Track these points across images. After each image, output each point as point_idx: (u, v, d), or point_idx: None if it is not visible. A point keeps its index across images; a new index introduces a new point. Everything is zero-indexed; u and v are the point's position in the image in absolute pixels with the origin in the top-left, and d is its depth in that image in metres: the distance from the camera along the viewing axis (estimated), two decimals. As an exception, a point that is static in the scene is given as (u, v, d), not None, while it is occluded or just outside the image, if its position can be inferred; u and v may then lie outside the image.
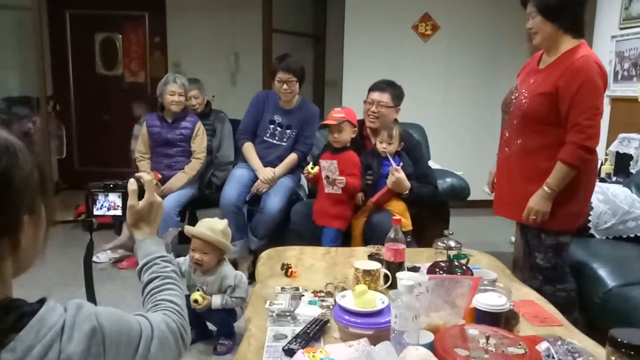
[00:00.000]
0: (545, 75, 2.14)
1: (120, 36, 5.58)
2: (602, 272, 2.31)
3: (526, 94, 2.16)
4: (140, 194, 1.12)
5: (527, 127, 2.17)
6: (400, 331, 1.25)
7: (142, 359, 0.82)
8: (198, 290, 2.32)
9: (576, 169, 2.06)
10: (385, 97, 2.94)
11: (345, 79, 5.12)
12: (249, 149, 3.29)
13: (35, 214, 0.76)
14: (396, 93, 2.99)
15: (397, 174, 2.71)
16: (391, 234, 1.85)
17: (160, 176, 3.36)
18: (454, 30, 5.11)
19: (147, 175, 1.15)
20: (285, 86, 3.18)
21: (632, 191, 2.84)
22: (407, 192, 2.78)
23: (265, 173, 3.17)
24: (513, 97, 2.25)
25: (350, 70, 5.08)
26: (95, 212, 1.19)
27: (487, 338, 1.29)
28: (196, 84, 3.69)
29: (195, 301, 2.25)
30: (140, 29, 5.59)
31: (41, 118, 4.36)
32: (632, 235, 2.70)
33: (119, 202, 1.16)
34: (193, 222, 3.24)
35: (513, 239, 4.11)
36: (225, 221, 2.38)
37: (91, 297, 1.18)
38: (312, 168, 2.81)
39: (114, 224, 3.90)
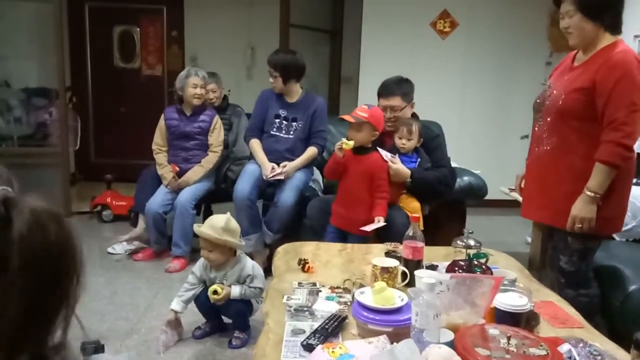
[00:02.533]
0: (581, 71, 2.08)
1: (138, 29, 5.61)
2: (623, 275, 2.28)
3: (562, 91, 2.09)
4: None
5: (564, 124, 2.09)
6: (421, 329, 1.24)
7: None
8: (217, 284, 2.33)
9: (617, 168, 1.98)
10: (394, 101, 2.90)
11: (361, 76, 5.10)
12: (254, 145, 3.33)
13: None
14: (404, 91, 2.94)
15: (393, 165, 2.68)
16: (409, 232, 1.84)
17: (177, 169, 3.38)
18: (473, 28, 5.06)
19: None
20: (270, 79, 3.28)
21: (653, 193, 2.80)
22: (410, 179, 2.73)
23: (265, 169, 3.18)
24: (547, 95, 2.18)
25: (366, 66, 5.05)
26: None
27: (509, 338, 1.27)
28: (214, 77, 3.70)
29: (215, 292, 2.26)
30: (158, 22, 5.61)
31: (59, 109, 4.40)
32: (652, 238, 2.67)
33: None
34: (208, 215, 3.25)
35: (529, 239, 4.07)
36: (226, 216, 2.36)
37: None
38: (346, 144, 2.59)
39: (130, 216, 3.94)
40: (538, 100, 2.25)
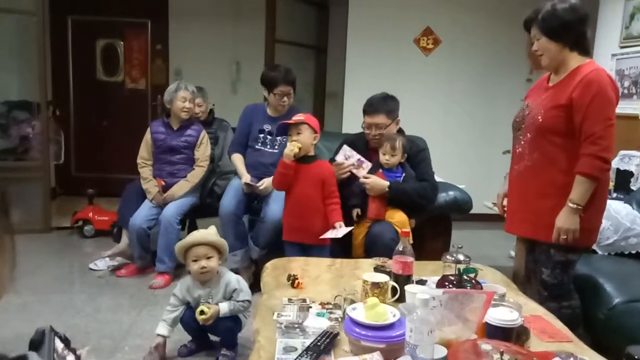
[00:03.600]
0: (556, 90, 2.16)
1: (122, 42, 5.59)
2: (606, 289, 2.31)
3: (540, 109, 2.17)
4: None
5: (544, 140, 2.17)
6: (415, 345, 1.24)
7: None
8: (203, 304, 2.29)
9: (596, 180, 2.06)
10: (379, 119, 2.91)
11: (346, 91, 5.14)
12: (236, 160, 3.33)
13: None
14: (390, 108, 2.95)
15: (367, 180, 2.74)
16: (399, 247, 1.85)
17: (163, 183, 3.35)
18: (456, 45, 5.15)
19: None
20: (285, 98, 3.22)
21: (633, 207, 2.86)
22: (387, 189, 2.76)
23: (244, 179, 3.18)
24: (525, 113, 2.27)
25: (351, 82, 5.10)
26: None
27: (502, 354, 1.28)
28: (200, 92, 3.70)
29: (202, 312, 2.22)
30: (142, 36, 5.59)
31: (41, 123, 4.34)
32: (633, 252, 2.72)
33: None
34: (193, 230, 3.23)
35: (512, 253, 4.12)
36: (212, 227, 2.40)
37: None
38: (296, 145, 2.62)
39: (112, 231, 3.88)
40: (517, 120, 2.34)
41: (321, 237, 2.60)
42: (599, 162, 2.04)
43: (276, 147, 3.29)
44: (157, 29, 5.56)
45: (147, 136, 3.49)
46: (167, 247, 3.21)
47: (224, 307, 2.28)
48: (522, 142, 2.26)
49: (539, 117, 2.16)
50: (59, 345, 0.85)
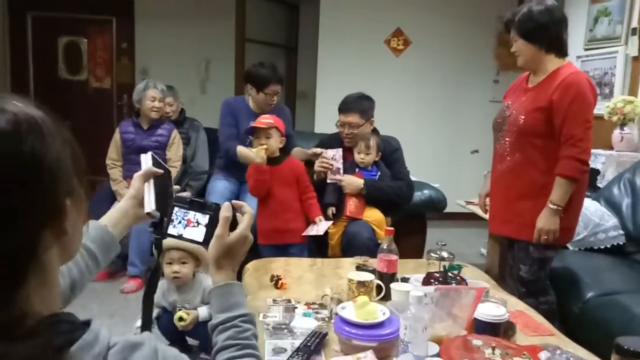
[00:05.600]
0: (536, 92, 2.20)
1: (85, 40, 5.42)
2: (580, 283, 2.37)
3: (522, 111, 2.20)
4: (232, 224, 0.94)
5: (525, 142, 2.20)
6: (409, 342, 1.24)
7: None
8: (180, 309, 2.23)
9: (576, 182, 2.11)
10: (352, 118, 2.91)
11: (318, 91, 5.13)
12: (242, 150, 3.09)
13: (75, 195, 0.64)
14: (363, 108, 2.95)
15: (343, 179, 2.77)
16: (384, 245, 1.85)
17: (134, 184, 3.26)
18: (425, 46, 5.22)
19: (248, 207, 0.99)
20: (275, 97, 3.13)
21: (601, 204, 2.95)
22: (363, 186, 2.77)
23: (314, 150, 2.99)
24: (506, 115, 2.29)
25: (323, 81, 5.10)
26: (170, 231, 1.01)
27: (493, 348, 1.29)
28: (171, 91, 3.62)
29: (180, 319, 2.17)
30: (107, 34, 5.44)
31: None
32: (602, 247, 2.79)
33: (201, 221, 0.98)
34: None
35: (483, 250, 4.19)
36: None
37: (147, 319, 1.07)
38: (262, 148, 2.56)
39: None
40: (498, 120, 2.36)
41: (303, 234, 2.58)
42: (578, 164, 2.10)
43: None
44: (122, 27, 5.42)
45: (116, 136, 3.40)
46: (139, 251, 3.13)
47: (203, 312, 2.23)
48: (504, 143, 2.29)
49: (521, 119, 2.20)
50: None
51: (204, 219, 0.98)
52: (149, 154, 1.09)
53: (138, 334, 0.77)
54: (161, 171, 1.09)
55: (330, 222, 2.67)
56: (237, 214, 0.98)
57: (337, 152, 2.88)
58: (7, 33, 5.02)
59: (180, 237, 1.00)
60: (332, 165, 2.84)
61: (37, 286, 0.59)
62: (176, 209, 1.01)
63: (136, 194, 1.05)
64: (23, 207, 0.56)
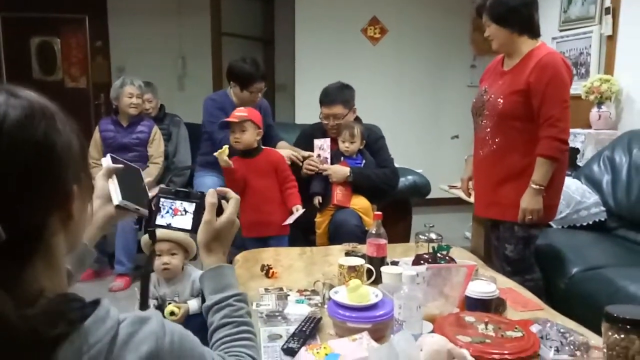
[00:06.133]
0: (513, 75, 2.22)
1: (58, 40, 5.32)
2: (565, 259, 2.42)
3: (500, 95, 2.23)
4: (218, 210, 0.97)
5: (506, 126, 2.23)
6: (404, 321, 1.25)
7: None
8: (169, 303, 2.22)
9: (556, 161, 2.15)
10: (336, 109, 2.90)
11: (297, 83, 5.12)
12: None
13: (82, 182, 0.66)
14: (346, 98, 2.95)
15: (328, 168, 2.79)
16: (373, 230, 1.86)
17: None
18: (402, 34, 5.23)
19: (233, 193, 1.01)
20: (259, 94, 3.08)
21: (582, 182, 3.00)
22: (349, 174, 2.79)
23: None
24: (485, 99, 2.31)
25: (302, 73, 5.09)
26: (159, 221, 1.02)
27: (486, 324, 1.31)
28: (150, 87, 3.58)
29: (172, 313, 2.15)
30: (80, 33, 5.34)
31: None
32: (584, 224, 2.85)
33: (188, 210, 1.01)
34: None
35: (468, 234, 4.24)
36: None
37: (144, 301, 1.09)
38: (223, 151, 2.52)
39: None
40: (477, 105, 2.38)
41: (283, 223, 2.58)
42: (557, 144, 2.13)
43: None
44: (95, 25, 5.33)
45: (96, 135, 3.35)
46: (125, 248, 3.10)
47: (193, 305, 2.22)
48: (484, 128, 2.31)
49: (500, 104, 2.22)
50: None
51: (191, 207, 1.01)
52: (108, 155, 1.11)
53: None
54: (121, 166, 1.10)
55: (303, 210, 2.64)
56: (222, 201, 1.00)
57: (325, 142, 2.89)
58: (-23, 35, 4.91)
59: (169, 226, 1.02)
60: (317, 167, 2.84)
61: (45, 269, 0.60)
62: (162, 200, 1.02)
63: (101, 193, 1.05)
64: (33, 190, 0.58)
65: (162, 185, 1.19)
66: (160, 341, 0.62)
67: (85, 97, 5.37)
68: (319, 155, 2.87)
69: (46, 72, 5.33)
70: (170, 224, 1.02)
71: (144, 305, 1.05)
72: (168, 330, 0.64)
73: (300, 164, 2.88)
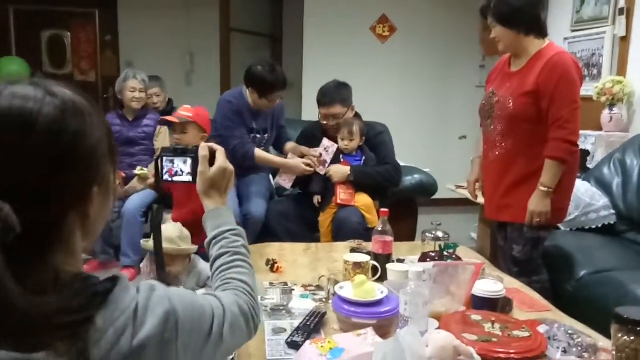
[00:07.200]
0: (522, 76, 2.17)
1: (69, 34, 5.34)
2: (573, 262, 2.38)
3: (509, 97, 2.18)
4: (211, 161, 1.08)
5: (516, 128, 2.18)
6: (410, 318, 1.24)
7: (214, 343, 0.78)
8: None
9: (565, 163, 2.10)
10: (335, 109, 2.89)
11: (305, 80, 5.11)
12: (261, 154, 3.01)
13: (104, 183, 0.70)
14: (343, 97, 2.92)
15: (324, 171, 2.80)
16: (379, 227, 1.84)
17: (123, 175, 3.22)
18: (411, 33, 5.20)
19: (217, 146, 1.11)
20: (279, 100, 3.05)
21: (591, 184, 2.97)
22: (351, 174, 2.78)
23: (302, 167, 2.91)
24: (493, 101, 2.26)
25: (310, 70, 5.07)
26: (165, 178, 1.16)
27: (493, 323, 1.30)
28: (158, 81, 3.58)
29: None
30: (90, 27, 5.37)
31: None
32: (593, 227, 2.81)
33: (186, 168, 1.15)
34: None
35: (474, 235, 4.21)
36: (177, 225, 2.26)
37: (160, 264, 1.24)
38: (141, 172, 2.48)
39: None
40: (486, 108, 2.33)
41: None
42: (567, 146, 2.08)
43: (262, 145, 3.11)
44: (105, 20, 5.35)
45: (103, 129, 3.35)
46: (131, 241, 3.09)
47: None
48: (494, 130, 2.26)
49: (510, 106, 2.17)
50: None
51: (188, 161, 1.15)
52: None
53: None
54: None
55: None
56: (215, 151, 1.10)
57: (332, 147, 2.86)
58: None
59: (172, 181, 1.17)
60: (315, 166, 2.85)
61: (64, 257, 0.65)
62: (164, 159, 1.16)
63: None
64: (55, 188, 0.62)
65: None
66: (170, 301, 0.70)
67: (94, 90, 5.39)
68: (320, 155, 2.86)
69: (56, 66, 5.36)
70: (173, 179, 1.17)
71: (159, 257, 1.25)
72: (172, 292, 0.73)
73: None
